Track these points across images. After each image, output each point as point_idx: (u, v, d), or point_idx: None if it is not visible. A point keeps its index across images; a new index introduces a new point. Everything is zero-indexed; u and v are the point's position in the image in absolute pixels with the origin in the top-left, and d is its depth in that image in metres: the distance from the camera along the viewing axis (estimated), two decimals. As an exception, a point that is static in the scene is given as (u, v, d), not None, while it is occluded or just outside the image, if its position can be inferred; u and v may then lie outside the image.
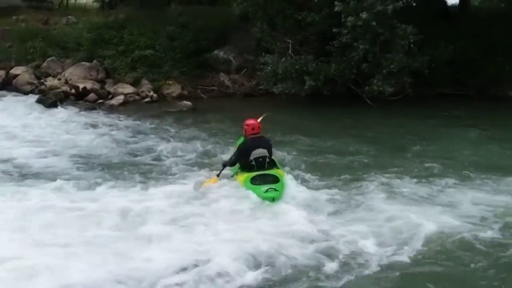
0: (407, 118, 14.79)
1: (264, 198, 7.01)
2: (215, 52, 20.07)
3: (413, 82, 16.63)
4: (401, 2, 15.71)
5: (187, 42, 19.67)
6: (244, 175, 7.70)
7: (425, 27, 17.49)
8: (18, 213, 6.55)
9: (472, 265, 5.39)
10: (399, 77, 16.16)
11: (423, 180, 8.32)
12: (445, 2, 23.41)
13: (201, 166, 9.23)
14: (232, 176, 8.07)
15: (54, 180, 8.13)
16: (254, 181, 7.41)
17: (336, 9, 15.67)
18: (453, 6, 23.86)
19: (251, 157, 7.80)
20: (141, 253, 5.45)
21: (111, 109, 16.25)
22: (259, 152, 7.85)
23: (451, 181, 8.25)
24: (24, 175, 8.70)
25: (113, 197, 7.21)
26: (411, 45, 16.04)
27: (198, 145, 10.96)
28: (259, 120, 8.68)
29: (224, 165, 8.17)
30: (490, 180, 8.29)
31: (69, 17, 23.01)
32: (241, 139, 8.57)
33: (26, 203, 6.88)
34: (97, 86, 18.12)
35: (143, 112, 15.59)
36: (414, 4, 20.71)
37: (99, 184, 7.98)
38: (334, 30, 16.04)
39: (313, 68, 16.49)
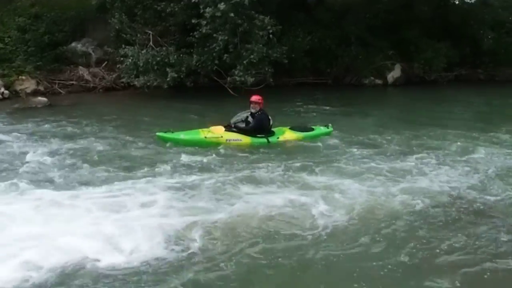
0: (266, 107, 15.02)
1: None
2: (73, 44, 18.94)
3: (274, 72, 17.13)
4: (257, -7, 15.97)
5: (41, 34, 18.28)
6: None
7: (283, 18, 18.09)
8: None
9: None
10: (260, 67, 16.51)
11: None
12: (303, -6, 24.38)
13: (58, 167, 8.09)
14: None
15: None
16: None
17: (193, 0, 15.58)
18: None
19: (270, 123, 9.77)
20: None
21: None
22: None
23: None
24: None
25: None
26: (270, 36, 16.48)
27: (53, 145, 9.90)
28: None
29: (242, 128, 9.57)
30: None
31: None
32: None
33: None
34: None
35: (-8, 111, 14.20)
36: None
37: None
38: (193, 21, 15.94)
39: (175, 59, 16.28)
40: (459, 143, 9.80)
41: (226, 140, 9.37)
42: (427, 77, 21.86)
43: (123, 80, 17.33)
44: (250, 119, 9.74)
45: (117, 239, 5.20)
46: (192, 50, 16.61)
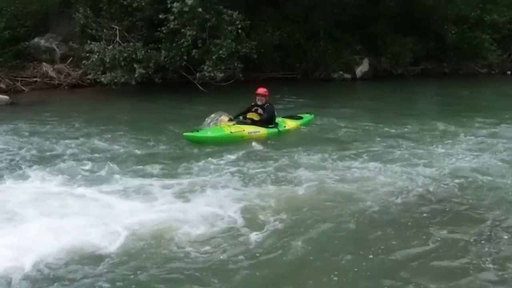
0: (237, 102, 14.92)
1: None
2: (35, 40, 18.40)
3: (244, 67, 17.06)
4: (226, -12, 15.85)
5: (1, 29, 17.68)
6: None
7: (252, 13, 18.01)
8: None
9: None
10: (229, 63, 16.42)
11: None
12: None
13: (19, 170, 7.55)
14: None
15: None
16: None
17: (160, -6, 15.37)
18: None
19: None
20: None
21: None
22: None
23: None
24: None
25: None
26: (239, 31, 16.38)
27: (11, 144, 9.52)
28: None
29: (258, 120, 9.71)
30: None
31: None
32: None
33: None
34: None
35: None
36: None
37: None
38: (161, 16, 15.70)
39: (143, 55, 16.00)
40: (425, 131, 10.17)
41: (248, 133, 9.47)
42: (394, 71, 22.20)
43: (90, 76, 16.92)
44: (260, 111, 9.80)
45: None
46: (160, 46, 16.36)
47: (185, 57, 16.17)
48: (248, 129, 9.51)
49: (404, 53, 21.76)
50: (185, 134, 9.05)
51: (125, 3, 16.30)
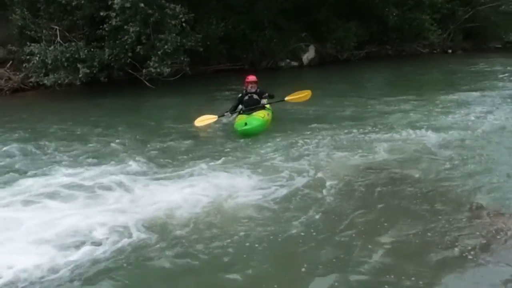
0: (186, 95, 14.88)
1: None
2: (-30, 44, 17.67)
3: (190, 61, 16.98)
4: (166, -19, 15.65)
5: None
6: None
7: (195, 6, 17.90)
8: None
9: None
10: (175, 57, 16.29)
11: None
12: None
13: None
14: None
15: None
16: None
17: (101, -9, 15.06)
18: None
19: None
20: None
21: None
22: None
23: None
24: None
25: None
26: (183, 24, 16.26)
27: None
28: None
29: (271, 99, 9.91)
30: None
31: None
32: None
33: None
34: None
35: None
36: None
37: None
38: (102, 13, 15.37)
39: (86, 54, 15.66)
40: (376, 111, 10.56)
41: (271, 113, 9.75)
42: (340, 56, 22.70)
43: (32, 79, 16.41)
44: (255, 97, 9.72)
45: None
46: (103, 44, 16.04)
47: (130, 54, 15.92)
48: (269, 110, 9.73)
49: (349, 38, 22.27)
50: (239, 129, 8.78)
51: (63, 2, 15.74)
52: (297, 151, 7.61)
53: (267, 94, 9.81)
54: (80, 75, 15.31)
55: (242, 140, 8.48)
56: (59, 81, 15.39)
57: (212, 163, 7.10)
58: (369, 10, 23.51)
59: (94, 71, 15.73)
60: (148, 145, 8.51)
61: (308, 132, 8.74)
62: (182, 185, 6.25)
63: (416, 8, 24.44)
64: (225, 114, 9.67)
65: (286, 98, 9.99)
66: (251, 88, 9.82)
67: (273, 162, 7.07)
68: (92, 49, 15.93)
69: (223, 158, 7.32)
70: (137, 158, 7.51)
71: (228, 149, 7.98)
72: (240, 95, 9.94)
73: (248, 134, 8.66)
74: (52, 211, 5.57)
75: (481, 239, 4.49)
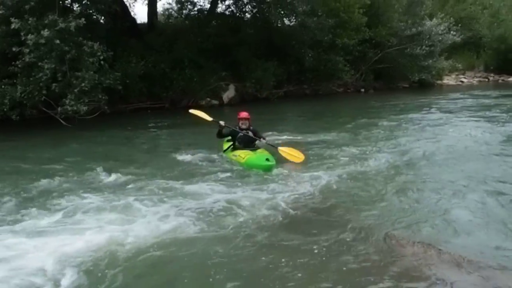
0: (103, 134, 14.55)
1: None
2: None
3: (109, 99, 16.69)
4: (84, 19, 15.36)
5: None
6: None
7: (114, 44, 17.79)
8: None
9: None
10: (93, 95, 15.92)
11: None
12: (134, 19, 24.30)
13: None
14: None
15: None
16: None
17: (13, 26, 14.53)
18: (142, 24, 24.96)
19: None
20: None
21: None
22: None
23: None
24: None
25: None
26: (102, 62, 16.01)
27: None
28: None
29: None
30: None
31: None
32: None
33: None
34: None
35: None
36: (102, 21, 20.69)
37: None
38: (14, 49, 14.83)
39: (-4, 92, 14.94)
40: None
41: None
42: (259, 94, 23.29)
43: None
44: (251, 133, 9.83)
45: None
46: (15, 81, 15.37)
47: (44, 92, 15.31)
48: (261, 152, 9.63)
49: (267, 77, 22.98)
50: (265, 164, 8.82)
51: (-28, 37, 15.10)
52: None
53: (262, 135, 10.05)
54: (-12, 113, 14.55)
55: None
56: (-34, 120, 14.54)
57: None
58: (286, 51, 24.54)
59: (5, 109, 14.98)
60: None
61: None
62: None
63: (330, 50, 25.81)
64: (220, 122, 9.77)
65: (280, 148, 9.80)
66: (242, 125, 9.92)
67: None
68: (3, 86, 15.21)
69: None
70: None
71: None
72: (232, 128, 9.91)
73: (270, 170, 8.81)
74: None
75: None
